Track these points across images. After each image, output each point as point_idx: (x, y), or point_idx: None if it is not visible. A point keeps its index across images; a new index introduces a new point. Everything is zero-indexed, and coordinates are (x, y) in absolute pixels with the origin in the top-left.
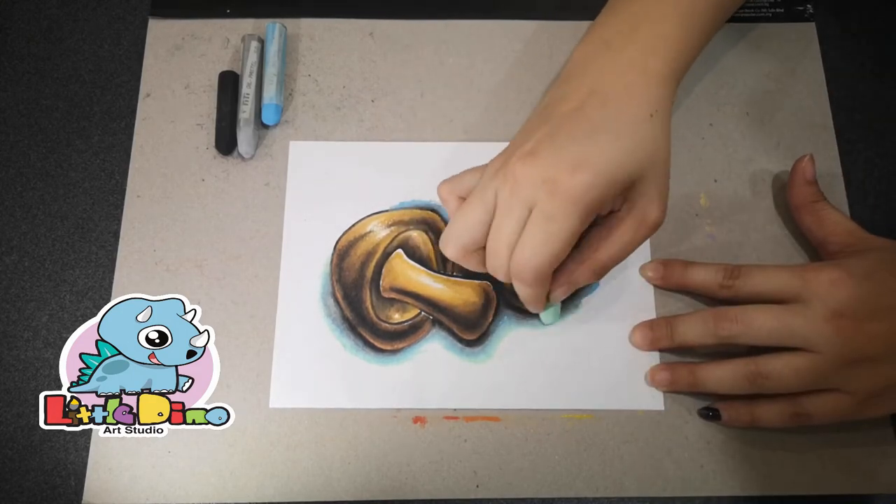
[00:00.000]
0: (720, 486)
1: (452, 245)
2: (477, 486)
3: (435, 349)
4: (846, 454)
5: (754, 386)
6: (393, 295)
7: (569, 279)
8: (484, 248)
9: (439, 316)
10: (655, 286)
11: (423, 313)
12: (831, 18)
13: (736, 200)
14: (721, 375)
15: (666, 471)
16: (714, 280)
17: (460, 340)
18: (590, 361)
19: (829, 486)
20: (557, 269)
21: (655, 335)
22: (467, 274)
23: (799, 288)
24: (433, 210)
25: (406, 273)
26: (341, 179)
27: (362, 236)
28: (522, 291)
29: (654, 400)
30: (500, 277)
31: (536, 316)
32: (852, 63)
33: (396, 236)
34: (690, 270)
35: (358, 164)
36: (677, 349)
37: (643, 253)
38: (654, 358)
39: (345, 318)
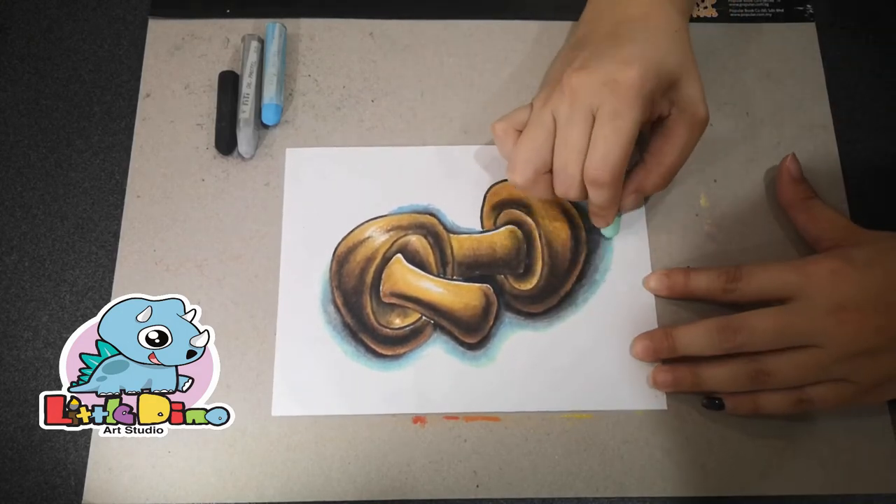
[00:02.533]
0: (720, 486)
1: (522, 169)
2: (477, 486)
3: (436, 353)
4: (846, 454)
5: (757, 383)
6: (393, 300)
7: (638, 187)
8: (550, 171)
9: (440, 320)
10: (661, 297)
11: (423, 318)
12: (831, 18)
13: (736, 200)
14: (723, 375)
15: (666, 471)
16: (717, 285)
17: (461, 344)
18: (591, 362)
19: (829, 486)
20: (627, 180)
21: (657, 347)
22: (467, 278)
23: (802, 283)
24: (431, 214)
25: (406, 278)
26: (338, 185)
27: (361, 242)
28: (599, 197)
29: (656, 399)
30: (572, 194)
31: (537, 315)
32: (852, 63)
33: (395, 241)
34: (692, 278)
35: (354, 170)
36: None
37: (644, 255)
38: None
39: (345, 325)
